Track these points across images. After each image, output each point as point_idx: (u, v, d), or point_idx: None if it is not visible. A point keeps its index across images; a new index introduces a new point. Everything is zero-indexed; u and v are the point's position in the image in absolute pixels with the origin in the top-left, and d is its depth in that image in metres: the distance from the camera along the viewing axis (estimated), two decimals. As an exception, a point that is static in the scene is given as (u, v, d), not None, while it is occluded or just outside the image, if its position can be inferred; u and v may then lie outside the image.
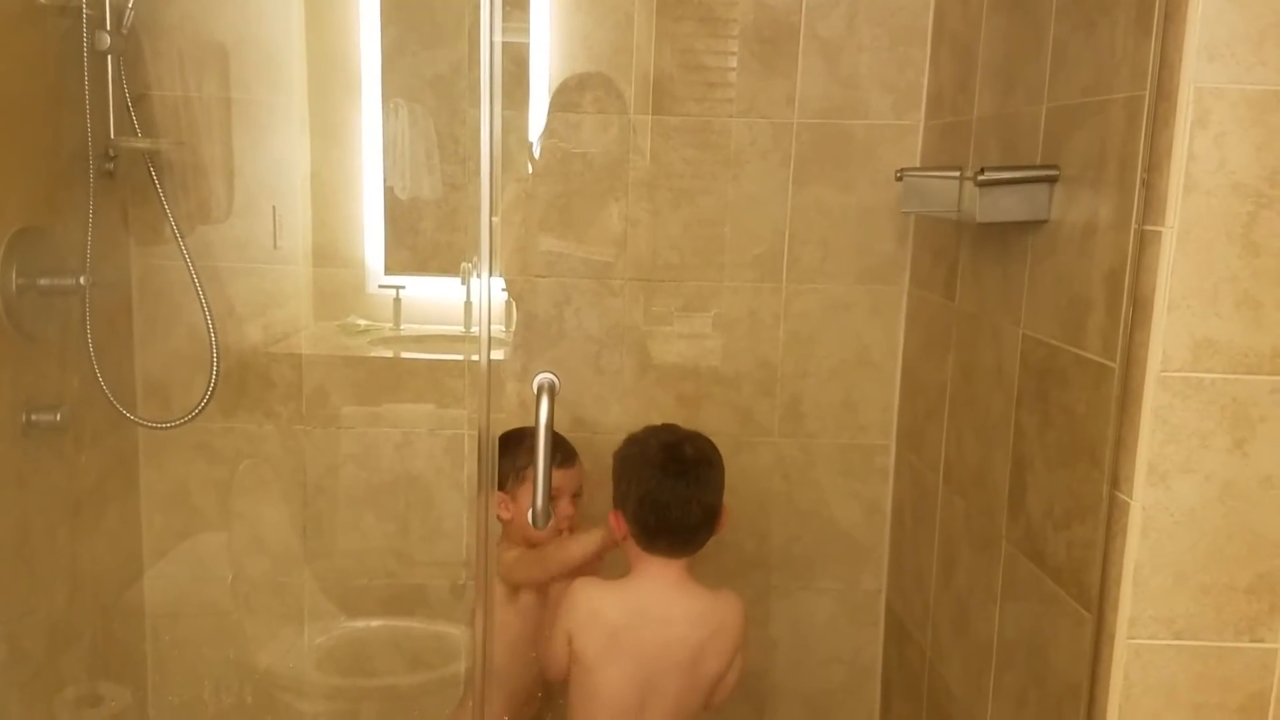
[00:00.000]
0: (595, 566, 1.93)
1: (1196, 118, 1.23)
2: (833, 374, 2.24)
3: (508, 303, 2.21)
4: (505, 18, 1.61)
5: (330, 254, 2.44)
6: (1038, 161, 1.57)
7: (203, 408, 2.07)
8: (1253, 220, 1.25)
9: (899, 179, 1.98)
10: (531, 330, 2.22)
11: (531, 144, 2.18)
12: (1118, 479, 1.34)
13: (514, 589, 2.01)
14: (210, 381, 2.06)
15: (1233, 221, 1.25)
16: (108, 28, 1.96)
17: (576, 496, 2.02)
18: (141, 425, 2.22)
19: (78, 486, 2.08)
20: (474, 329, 1.98)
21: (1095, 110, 1.41)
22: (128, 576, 2.31)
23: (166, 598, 2.34)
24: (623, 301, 2.21)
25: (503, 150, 1.66)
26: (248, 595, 2.36)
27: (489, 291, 1.71)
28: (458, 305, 2.35)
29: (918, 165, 2.12)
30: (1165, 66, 1.26)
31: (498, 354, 2.19)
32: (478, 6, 1.59)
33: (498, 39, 1.60)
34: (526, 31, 2.15)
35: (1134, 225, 1.30)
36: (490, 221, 1.66)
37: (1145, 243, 1.29)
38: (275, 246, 2.31)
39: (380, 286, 2.47)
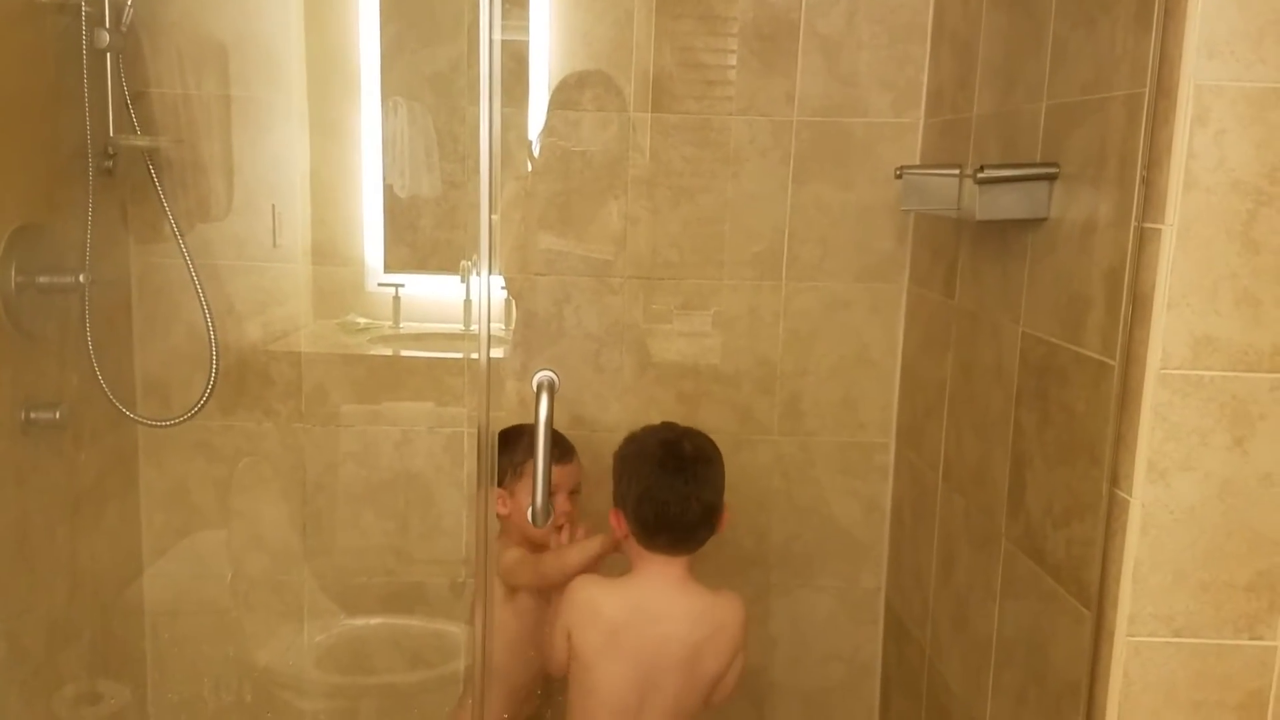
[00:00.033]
0: (595, 565, 1.93)
1: (1196, 115, 1.23)
2: (832, 372, 2.24)
3: (507, 301, 2.21)
4: (505, 15, 1.61)
5: (329, 252, 2.44)
6: (1037, 159, 1.57)
7: (202, 406, 2.07)
8: (1252, 218, 1.25)
9: (898, 177, 1.98)
10: (531, 328, 2.22)
11: (531, 142, 2.18)
12: (1117, 476, 1.34)
13: (513, 587, 2.01)
14: (210, 379, 2.06)
15: (1232, 219, 1.25)
16: (107, 25, 1.96)
17: (574, 493, 2.02)
18: (141, 423, 2.22)
19: (77, 484, 2.08)
20: (473, 327, 1.99)
21: (1095, 108, 1.41)
22: (127, 574, 2.31)
23: (166, 596, 2.34)
24: (622, 299, 2.21)
25: (502, 148, 1.66)
26: (247, 593, 2.36)
27: (488, 289, 1.71)
28: (457, 303, 2.35)
29: (917, 163, 2.12)
30: (1165, 64, 1.26)
31: (497, 352, 2.19)
32: (477, 4, 1.59)
33: (497, 36, 1.60)
34: (526, 29, 2.15)
35: (1134, 223, 1.30)
36: (490, 219, 1.66)
37: (1145, 240, 1.29)
38: (274, 244, 2.31)
39: (380, 284, 2.47)
